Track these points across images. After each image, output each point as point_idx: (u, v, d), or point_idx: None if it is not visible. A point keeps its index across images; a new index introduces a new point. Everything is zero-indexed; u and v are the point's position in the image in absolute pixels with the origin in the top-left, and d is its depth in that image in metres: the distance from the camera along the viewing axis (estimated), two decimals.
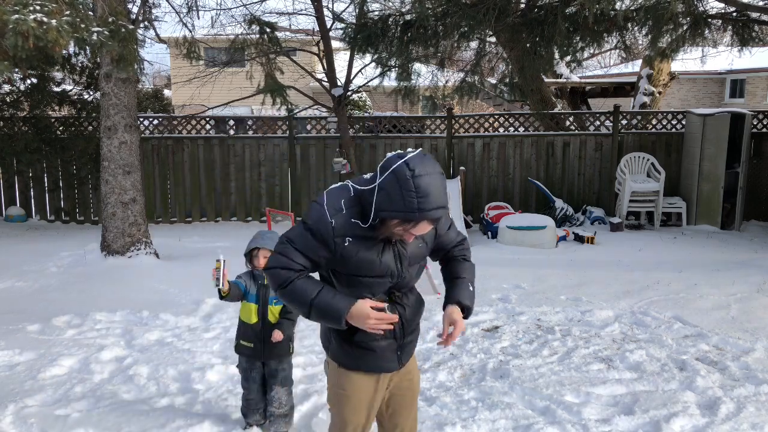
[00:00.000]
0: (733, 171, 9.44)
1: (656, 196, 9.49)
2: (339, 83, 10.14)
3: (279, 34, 10.25)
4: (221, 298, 3.40)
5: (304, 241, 2.27)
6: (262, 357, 3.51)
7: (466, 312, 2.46)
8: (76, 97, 10.11)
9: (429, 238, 2.43)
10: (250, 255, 3.56)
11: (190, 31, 9.04)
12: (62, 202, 10.44)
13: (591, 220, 9.81)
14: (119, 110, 7.28)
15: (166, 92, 24.92)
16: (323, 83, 10.34)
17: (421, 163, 2.09)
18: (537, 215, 9.02)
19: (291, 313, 3.50)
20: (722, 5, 8.67)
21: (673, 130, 10.28)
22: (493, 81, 13.61)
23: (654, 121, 10.59)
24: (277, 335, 3.42)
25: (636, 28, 8.54)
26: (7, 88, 9.94)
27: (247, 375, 3.56)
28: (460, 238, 2.63)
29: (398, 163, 2.10)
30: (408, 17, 9.12)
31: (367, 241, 2.24)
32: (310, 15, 10.45)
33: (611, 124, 10.28)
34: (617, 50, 12.74)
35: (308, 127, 10.65)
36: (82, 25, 5.11)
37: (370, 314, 2.25)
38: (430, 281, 6.05)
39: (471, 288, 2.51)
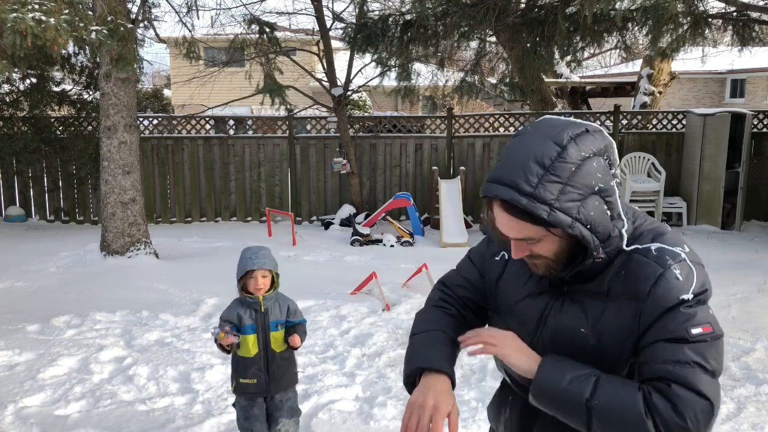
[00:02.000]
0: (734, 171, 9.43)
1: (656, 195, 9.49)
2: (339, 83, 10.14)
3: (279, 34, 10.24)
4: (225, 351, 3.02)
5: (462, 263, 1.77)
6: (267, 392, 3.06)
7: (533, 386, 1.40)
8: (75, 96, 10.10)
9: (606, 326, 1.41)
10: (243, 279, 3.05)
11: (190, 31, 9.02)
12: (62, 202, 10.42)
13: None
14: (119, 110, 7.28)
15: (166, 92, 24.94)
16: (323, 83, 10.33)
17: (535, 123, 1.43)
18: None
19: (301, 325, 3.12)
20: (722, 5, 8.67)
21: (674, 130, 10.27)
22: (493, 81, 13.60)
23: (654, 121, 10.58)
24: (296, 340, 3.00)
25: (636, 28, 8.54)
26: (6, 87, 9.93)
27: (247, 413, 3.07)
28: (686, 379, 1.29)
29: None
30: (408, 17, 9.11)
31: (521, 269, 1.57)
32: (310, 15, 10.45)
33: (611, 123, 10.27)
34: (617, 50, 12.72)
35: (308, 127, 10.64)
36: (81, 24, 5.11)
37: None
38: (431, 281, 6.03)
39: (568, 379, 1.36)
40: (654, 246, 1.41)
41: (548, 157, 1.31)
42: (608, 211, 1.36)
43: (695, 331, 1.31)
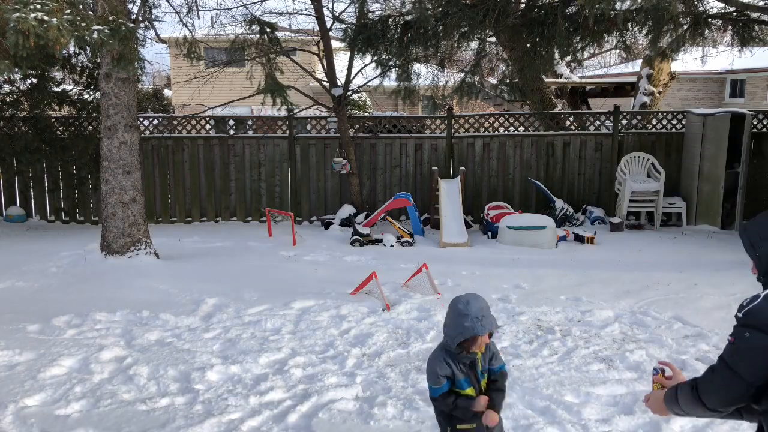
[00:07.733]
0: (733, 171, 9.43)
1: (656, 196, 9.49)
2: (339, 83, 10.15)
3: (279, 34, 10.24)
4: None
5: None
6: None
7: None
8: (76, 97, 10.10)
9: None
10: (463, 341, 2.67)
11: (190, 31, 9.02)
12: (62, 202, 10.43)
13: (591, 220, 9.81)
14: (119, 110, 7.28)
15: (166, 92, 24.96)
16: (323, 83, 10.34)
17: None
18: (537, 215, 9.02)
19: (499, 382, 2.82)
20: (722, 5, 8.67)
21: (673, 130, 10.27)
22: (493, 81, 13.60)
23: (654, 121, 10.58)
24: (494, 418, 2.70)
25: (636, 29, 8.55)
26: (7, 88, 9.93)
27: None
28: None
29: None
30: (408, 18, 9.12)
31: None
32: (310, 15, 10.46)
33: (611, 124, 10.28)
34: (617, 50, 12.73)
35: (308, 127, 10.65)
36: (83, 24, 5.12)
37: None
38: (431, 281, 6.05)
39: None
40: None
41: None
42: None
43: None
